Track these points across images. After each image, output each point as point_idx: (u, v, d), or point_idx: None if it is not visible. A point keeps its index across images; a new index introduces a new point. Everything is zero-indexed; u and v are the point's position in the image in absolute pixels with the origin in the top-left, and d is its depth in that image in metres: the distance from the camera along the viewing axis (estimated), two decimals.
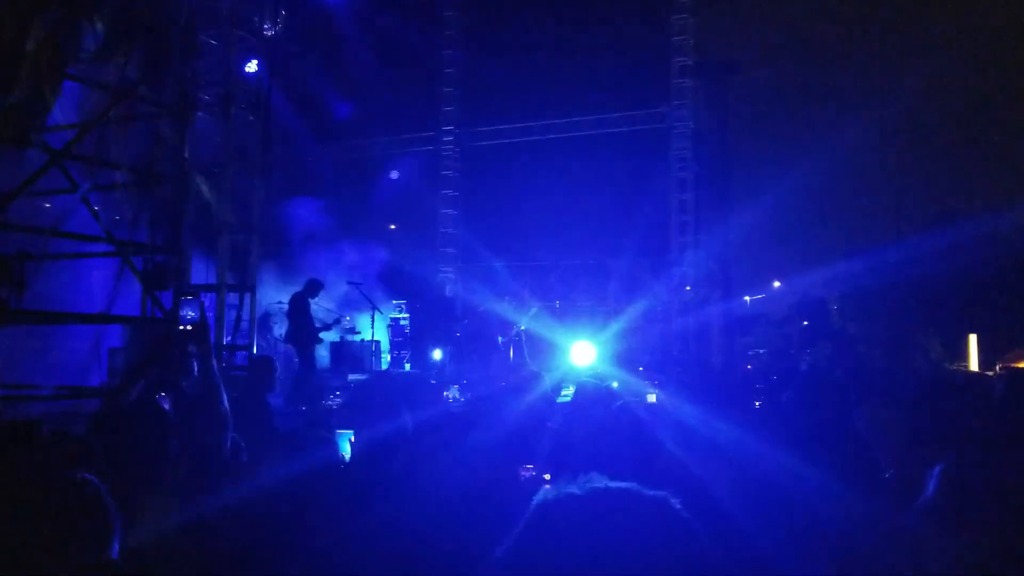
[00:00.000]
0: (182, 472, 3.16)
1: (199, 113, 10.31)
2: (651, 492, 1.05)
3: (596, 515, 1.04)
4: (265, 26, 11.57)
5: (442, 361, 13.98)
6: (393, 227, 19.84)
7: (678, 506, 1.05)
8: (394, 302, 16.43)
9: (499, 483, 2.50)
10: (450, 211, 19.04)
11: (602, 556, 1.01)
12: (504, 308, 13.34)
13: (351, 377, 13.33)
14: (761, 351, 15.15)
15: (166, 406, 3.51)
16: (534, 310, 14.25)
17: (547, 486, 1.11)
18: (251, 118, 11.20)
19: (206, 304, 10.23)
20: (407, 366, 14.73)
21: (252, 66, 11.67)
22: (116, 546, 2.27)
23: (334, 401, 10.55)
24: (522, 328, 13.52)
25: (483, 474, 2.63)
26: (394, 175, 19.42)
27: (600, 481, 1.07)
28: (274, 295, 13.98)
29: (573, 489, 1.07)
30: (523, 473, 2.54)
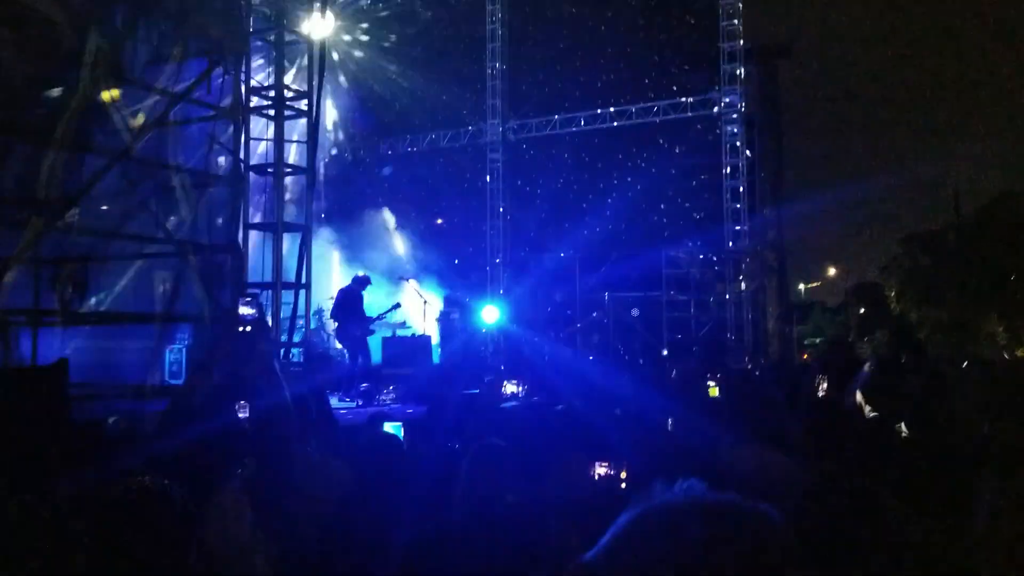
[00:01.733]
0: (252, 469, 3.19)
1: (251, 114, 10.46)
2: (753, 505, 1.00)
3: (693, 527, 1.00)
4: (315, 27, 11.66)
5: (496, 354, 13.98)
6: (440, 221, 19.89)
7: (781, 521, 1.00)
8: (445, 295, 16.47)
9: (572, 481, 2.47)
10: (498, 203, 19.02)
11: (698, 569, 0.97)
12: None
13: (403, 371, 13.37)
14: (817, 340, 14.88)
15: (233, 406, 3.55)
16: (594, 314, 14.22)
17: (641, 494, 1.07)
18: (302, 118, 11.31)
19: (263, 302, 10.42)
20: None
21: (302, 67, 11.78)
22: (192, 549, 2.26)
23: (388, 395, 10.58)
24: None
25: (553, 471, 2.60)
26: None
27: (698, 489, 1.04)
28: (327, 292, 14.11)
29: (672, 498, 1.03)
30: (597, 471, 2.49)
